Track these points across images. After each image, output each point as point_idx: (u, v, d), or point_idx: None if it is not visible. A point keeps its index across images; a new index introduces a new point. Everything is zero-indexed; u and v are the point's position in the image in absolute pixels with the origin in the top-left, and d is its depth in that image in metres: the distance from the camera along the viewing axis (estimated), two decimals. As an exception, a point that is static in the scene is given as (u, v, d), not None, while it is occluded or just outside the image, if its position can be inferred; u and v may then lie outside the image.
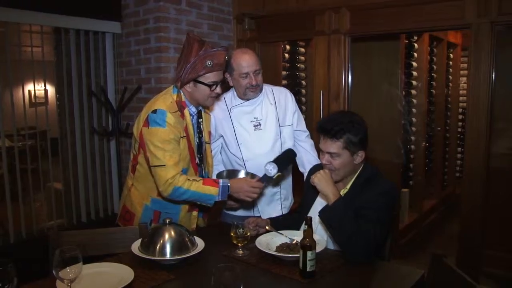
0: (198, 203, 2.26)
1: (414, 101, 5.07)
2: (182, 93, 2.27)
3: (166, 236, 1.93)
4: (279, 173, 2.26)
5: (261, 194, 2.48)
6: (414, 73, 4.98)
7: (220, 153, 2.72)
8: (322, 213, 2.00)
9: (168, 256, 1.90)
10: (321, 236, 2.08)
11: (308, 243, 1.75)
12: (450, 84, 6.14)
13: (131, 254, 1.95)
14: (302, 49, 5.01)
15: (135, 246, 1.98)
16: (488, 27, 3.00)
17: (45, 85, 3.78)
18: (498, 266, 3.48)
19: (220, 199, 2.22)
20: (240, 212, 2.66)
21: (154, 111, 2.16)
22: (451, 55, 6.09)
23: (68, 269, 1.51)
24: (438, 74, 5.68)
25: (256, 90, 2.54)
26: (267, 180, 2.31)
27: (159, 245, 1.91)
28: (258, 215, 2.60)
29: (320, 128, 2.11)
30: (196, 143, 2.36)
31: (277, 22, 4.01)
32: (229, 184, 2.22)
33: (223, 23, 4.16)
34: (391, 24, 3.44)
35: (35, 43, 3.66)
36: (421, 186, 5.20)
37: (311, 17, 3.78)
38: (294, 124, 2.70)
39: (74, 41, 3.84)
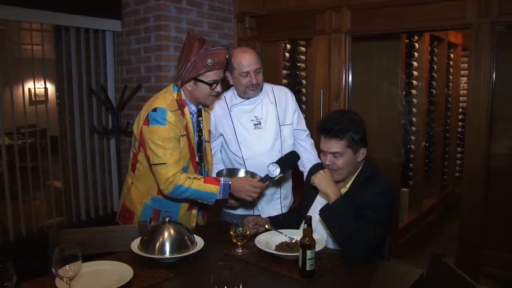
0: (199, 201, 2.26)
1: (415, 100, 5.07)
2: (182, 92, 2.27)
3: (166, 234, 1.93)
4: (281, 174, 2.26)
5: (261, 194, 2.48)
6: (415, 73, 4.98)
7: (220, 151, 2.72)
8: (322, 212, 2.00)
9: (167, 254, 1.90)
10: (320, 235, 2.07)
11: (307, 242, 1.75)
12: (451, 84, 6.14)
13: (130, 253, 1.95)
14: (303, 48, 5.01)
15: (135, 245, 1.98)
16: (489, 27, 3.00)
17: (45, 83, 3.79)
18: (498, 266, 3.49)
19: (221, 197, 2.22)
20: (240, 211, 2.66)
21: (154, 109, 2.16)
22: (452, 55, 6.09)
23: (67, 267, 1.51)
24: (438, 74, 5.69)
25: (257, 89, 2.54)
26: (268, 181, 2.31)
27: (158, 243, 1.91)
28: (258, 214, 2.60)
29: (321, 128, 2.10)
30: (196, 142, 2.36)
31: (277, 21, 4.01)
32: (230, 183, 2.22)
33: (223, 22, 4.15)
34: (391, 23, 3.44)
35: (35, 41, 3.66)
36: (421, 185, 5.21)
37: (312, 16, 3.77)
38: (294, 123, 2.70)
39: (75, 39, 3.83)
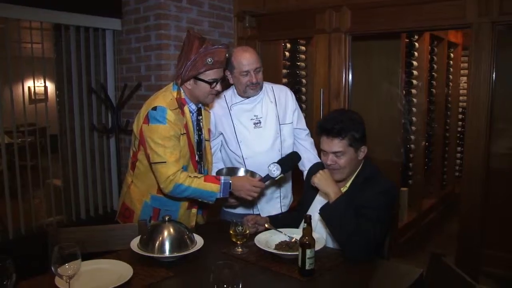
0: (200, 200, 2.26)
1: (414, 100, 5.07)
2: (182, 90, 2.27)
3: (165, 233, 1.93)
4: (281, 175, 2.26)
5: (261, 194, 2.48)
6: (415, 72, 4.98)
7: (220, 150, 2.72)
8: (322, 211, 2.00)
9: (167, 253, 1.90)
10: (320, 234, 2.07)
11: (307, 241, 1.75)
12: (451, 84, 6.14)
13: (130, 251, 1.95)
14: (303, 48, 5.01)
15: (134, 243, 1.98)
16: (489, 26, 3.00)
17: (44, 82, 3.78)
18: (498, 266, 3.49)
19: (221, 196, 2.22)
20: (240, 210, 2.66)
21: (154, 108, 2.15)
22: (452, 55, 6.09)
23: (67, 265, 1.51)
24: (438, 74, 5.68)
25: (257, 88, 2.54)
26: (269, 181, 2.30)
27: (158, 242, 1.91)
28: (258, 213, 2.61)
29: (321, 128, 2.09)
30: (196, 141, 2.36)
31: (277, 20, 4.01)
32: (230, 182, 2.22)
33: (223, 21, 4.15)
34: (392, 23, 3.43)
35: (35, 40, 3.65)
36: (421, 185, 5.21)
37: (312, 16, 3.77)
38: (294, 122, 2.70)
39: (74, 38, 3.83)
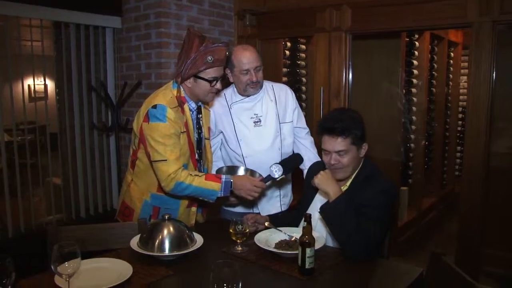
0: (200, 198, 2.26)
1: (414, 99, 5.07)
2: (182, 89, 2.26)
3: (165, 232, 1.93)
4: (283, 176, 2.26)
5: (262, 194, 2.48)
6: (415, 72, 4.98)
7: (220, 149, 2.72)
8: (322, 210, 2.00)
9: (167, 252, 1.90)
10: (320, 233, 2.07)
11: (307, 240, 1.75)
12: (451, 83, 6.13)
13: (130, 250, 1.95)
14: (303, 46, 5.00)
15: (134, 242, 1.98)
16: (490, 26, 2.99)
17: (44, 80, 3.77)
18: (498, 265, 3.48)
19: (222, 195, 2.22)
20: (239, 209, 2.66)
21: (154, 106, 2.15)
22: (452, 54, 6.08)
23: (66, 264, 1.51)
24: (438, 73, 5.68)
25: (257, 86, 2.54)
26: (270, 181, 2.30)
27: (158, 241, 1.91)
28: (257, 211, 2.60)
29: (323, 128, 2.09)
30: (196, 139, 2.36)
31: (278, 19, 4.00)
32: (231, 181, 2.22)
33: (224, 19, 4.14)
34: (392, 22, 3.43)
35: (35, 38, 3.64)
36: (420, 184, 5.21)
37: (312, 14, 3.76)
38: (294, 121, 2.70)
39: (74, 36, 3.82)
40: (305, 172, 2.56)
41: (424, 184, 5.41)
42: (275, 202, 2.69)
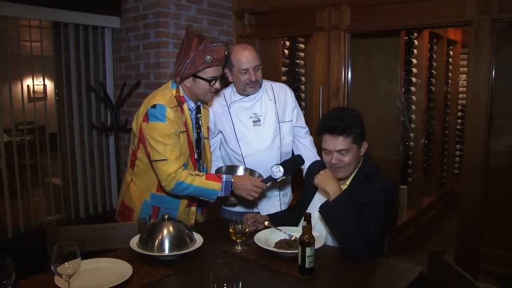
0: (201, 198, 2.26)
1: (414, 98, 5.07)
2: (181, 88, 2.26)
3: (165, 231, 1.93)
4: (283, 177, 2.26)
5: (262, 195, 2.48)
6: (414, 70, 4.98)
7: (219, 148, 2.72)
8: (322, 209, 2.00)
9: (166, 252, 1.90)
10: (320, 233, 2.07)
11: (307, 240, 1.75)
12: (450, 81, 6.13)
13: (129, 250, 1.95)
14: (302, 45, 5.00)
15: (134, 242, 1.98)
16: (489, 24, 2.99)
17: (44, 80, 3.77)
18: (497, 264, 3.49)
19: (223, 194, 2.22)
20: (239, 208, 2.66)
21: (154, 106, 2.15)
22: (451, 52, 6.08)
23: (66, 264, 1.51)
24: (437, 71, 5.68)
25: (256, 86, 2.54)
26: (270, 182, 2.30)
27: (157, 240, 1.91)
28: (257, 211, 2.61)
29: (324, 127, 2.09)
30: (195, 139, 2.36)
31: (277, 18, 4.00)
32: (232, 180, 2.22)
33: (223, 19, 4.14)
34: (391, 20, 3.43)
35: (34, 38, 3.64)
36: (420, 183, 5.21)
37: (311, 13, 3.76)
38: (293, 120, 2.70)
39: (73, 36, 3.82)
40: (304, 171, 2.56)
41: (424, 183, 5.41)
42: (274, 202, 2.69)
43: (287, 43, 4.86)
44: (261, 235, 2.11)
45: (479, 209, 3.13)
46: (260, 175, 2.43)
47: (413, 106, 5.07)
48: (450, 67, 6.09)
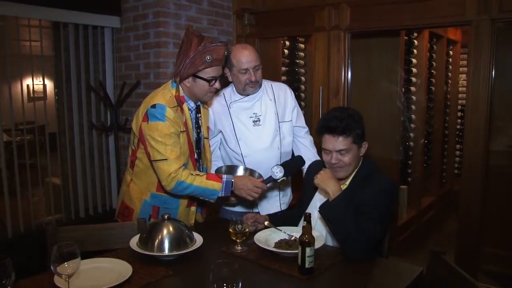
0: (201, 198, 2.26)
1: (413, 98, 5.06)
2: (180, 88, 2.26)
3: (165, 231, 1.93)
4: (284, 178, 2.26)
5: (262, 196, 2.48)
6: (414, 70, 4.97)
7: (219, 148, 2.72)
8: (321, 209, 2.00)
9: (166, 251, 1.90)
10: (320, 233, 2.07)
11: (306, 240, 1.75)
12: (450, 81, 6.13)
13: (129, 250, 1.95)
14: (302, 45, 5.00)
15: (134, 242, 1.98)
16: (489, 24, 2.99)
17: (43, 80, 3.77)
18: (497, 264, 3.49)
19: (223, 194, 2.22)
20: (239, 208, 2.66)
21: (154, 106, 2.15)
22: (451, 52, 6.08)
23: (66, 264, 1.51)
24: (437, 71, 5.67)
25: (256, 86, 2.54)
26: (271, 182, 2.30)
27: (157, 240, 1.91)
28: (257, 211, 2.60)
29: (324, 127, 2.08)
30: (195, 138, 2.36)
31: (276, 18, 4.00)
32: (232, 180, 2.22)
33: (222, 19, 4.14)
34: (391, 20, 3.43)
35: (34, 38, 3.64)
36: (420, 183, 5.20)
37: (311, 13, 3.76)
38: (293, 120, 2.70)
39: (73, 36, 3.82)
40: (304, 171, 2.56)
41: (423, 183, 5.41)
42: (274, 201, 2.69)
43: (287, 43, 4.86)
44: (261, 235, 2.11)
45: (479, 209, 3.13)
46: (260, 175, 2.43)
47: (413, 106, 5.07)
48: (450, 67, 6.09)
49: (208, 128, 2.51)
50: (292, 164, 2.34)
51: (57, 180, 3.98)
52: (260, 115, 2.59)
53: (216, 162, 2.67)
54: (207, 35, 2.60)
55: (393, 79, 4.51)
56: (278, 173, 2.23)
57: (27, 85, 4.60)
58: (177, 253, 1.90)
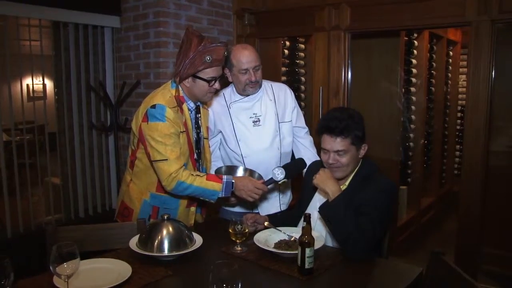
0: (201, 198, 2.25)
1: (413, 98, 5.06)
2: (180, 88, 2.26)
3: (164, 232, 1.93)
4: (285, 180, 2.26)
5: (263, 197, 2.48)
6: (414, 71, 4.97)
7: (219, 149, 2.71)
8: (321, 210, 2.00)
9: (166, 252, 1.90)
10: (319, 233, 2.07)
11: (306, 240, 1.75)
12: (450, 82, 6.13)
13: (129, 250, 1.95)
14: (302, 45, 5.00)
15: (133, 242, 1.98)
16: (489, 24, 2.99)
17: (43, 80, 3.76)
18: (497, 264, 3.49)
19: (223, 195, 2.22)
20: (239, 209, 2.66)
21: (153, 106, 2.15)
22: (451, 53, 6.08)
23: (65, 265, 1.50)
24: (437, 72, 5.67)
25: (256, 86, 2.54)
26: (272, 184, 2.30)
27: (157, 241, 1.91)
28: (257, 211, 2.60)
29: (324, 128, 2.09)
30: (195, 139, 2.36)
31: (277, 18, 4.00)
32: (233, 181, 2.22)
33: (222, 19, 4.14)
34: (391, 21, 3.43)
35: (34, 37, 3.63)
36: (419, 183, 5.20)
37: (311, 13, 3.76)
38: (293, 121, 2.69)
39: (73, 35, 3.81)
40: (304, 171, 2.56)
41: (423, 183, 5.41)
42: (274, 202, 2.68)
43: (287, 43, 4.86)
44: (261, 235, 2.10)
45: (479, 210, 3.13)
46: (260, 176, 2.42)
47: (413, 107, 5.07)
48: (450, 67, 6.09)
49: (207, 128, 2.51)
50: (294, 166, 2.34)
51: (57, 180, 3.97)
52: (260, 116, 2.59)
53: (215, 163, 2.66)
54: (207, 35, 2.60)
55: (393, 80, 4.51)
56: (279, 175, 2.22)
57: (27, 85, 4.60)
58: (176, 253, 1.90)
